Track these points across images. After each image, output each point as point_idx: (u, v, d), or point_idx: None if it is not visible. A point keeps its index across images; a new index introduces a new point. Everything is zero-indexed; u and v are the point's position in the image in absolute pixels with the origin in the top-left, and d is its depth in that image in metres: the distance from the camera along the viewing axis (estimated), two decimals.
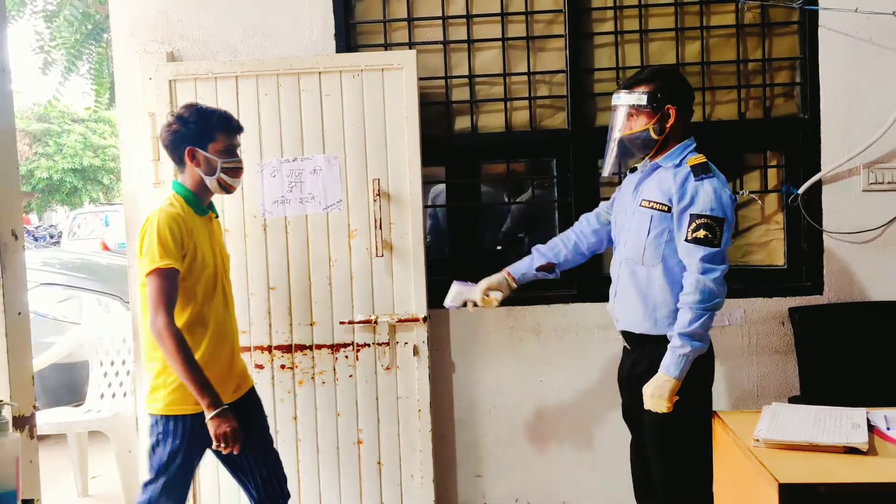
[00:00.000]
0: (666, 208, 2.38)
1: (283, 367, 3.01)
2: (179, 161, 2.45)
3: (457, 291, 2.73)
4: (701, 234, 2.31)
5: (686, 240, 2.33)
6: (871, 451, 1.84)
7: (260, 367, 3.01)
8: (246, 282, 3.00)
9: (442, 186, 3.32)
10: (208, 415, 2.28)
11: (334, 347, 3.00)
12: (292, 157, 2.98)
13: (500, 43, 3.17)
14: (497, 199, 3.30)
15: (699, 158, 2.40)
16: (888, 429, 1.95)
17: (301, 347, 3.01)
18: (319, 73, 2.95)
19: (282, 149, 2.98)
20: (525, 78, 3.17)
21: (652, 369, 2.39)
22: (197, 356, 2.32)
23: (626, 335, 2.55)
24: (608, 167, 2.56)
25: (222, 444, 2.30)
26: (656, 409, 2.33)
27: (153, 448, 2.39)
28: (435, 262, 3.20)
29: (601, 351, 3.11)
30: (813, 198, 3.08)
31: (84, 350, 4.14)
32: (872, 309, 3.05)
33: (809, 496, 1.68)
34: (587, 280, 3.14)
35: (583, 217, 2.77)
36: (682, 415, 2.33)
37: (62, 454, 4.26)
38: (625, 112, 2.44)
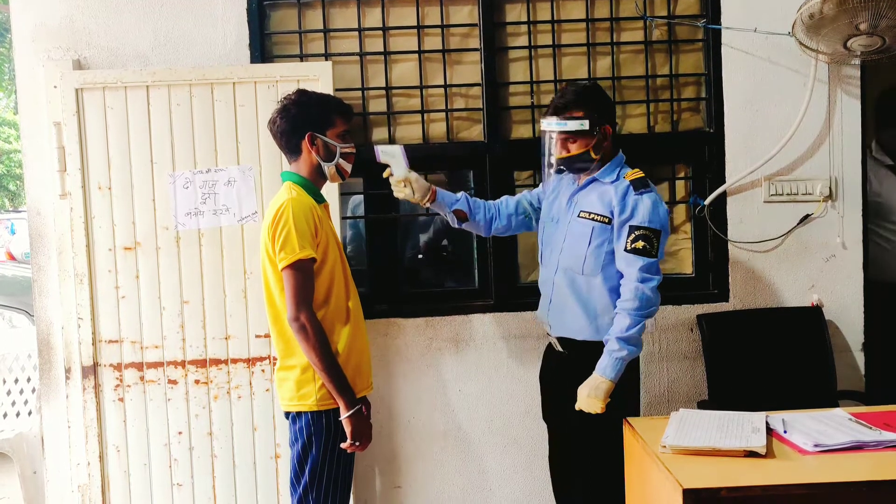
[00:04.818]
0: (607, 220, 2.49)
1: (197, 381, 2.95)
2: (295, 149, 2.39)
3: (394, 154, 2.65)
4: (640, 244, 2.41)
5: (625, 250, 2.43)
6: (769, 453, 1.93)
7: (173, 382, 2.94)
8: (158, 296, 2.93)
9: (361, 197, 3.31)
10: (345, 413, 2.27)
11: (250, 361, 2.95)
12: (206, 169, 2.92)
13: (416, 55, 3.18)
14: (415, 211, 3.31)
15: (637, 173, 2.50)
16: (785, 431, 2.05)
17: (216, 362, 2.95)
18: (234, 83, 2.91)
19: (195, 160, 2.92)
20: (442, 90, 3.19)
21: (589, 373, 2.45)
22: (340, 349, 2.31)
23: (564, 341, 2.60)
24: (548, 186, 2.69)
25: (357, 443, 2.30)
26: (589, 410, 2.39)
27: (305, 448, 2.33)
28: (355, 273, 3.19)
29: (519, 359, 3.15)
30: (719, 208, 3.19)
31: None
32: (774, 315, 3.19)
33: (712, 500, 1.75)
34: (504, 290, 3.18)
35: (504, 199, 2.82)
36: (610, 417, 2.39)
37: None
38: (562, 137, 2.50)
